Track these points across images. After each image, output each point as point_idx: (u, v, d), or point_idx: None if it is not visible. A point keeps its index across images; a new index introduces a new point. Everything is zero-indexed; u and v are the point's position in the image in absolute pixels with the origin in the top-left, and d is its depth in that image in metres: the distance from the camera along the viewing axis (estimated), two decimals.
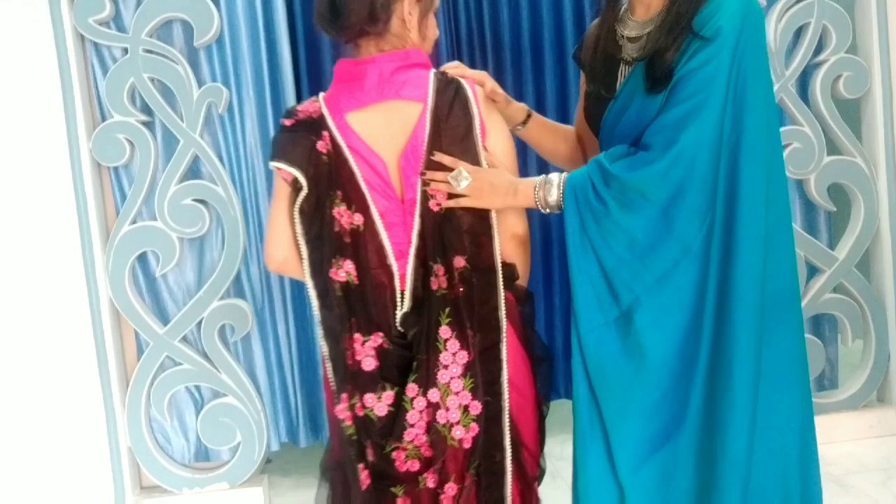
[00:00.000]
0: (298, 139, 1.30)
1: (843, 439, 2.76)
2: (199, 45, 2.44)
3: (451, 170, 1.29)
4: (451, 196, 1.30)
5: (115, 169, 2.50)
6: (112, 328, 2.52)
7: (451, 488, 1.28)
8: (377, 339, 1.29)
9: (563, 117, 2.66)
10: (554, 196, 1.32)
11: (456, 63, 1.44)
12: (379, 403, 1.27)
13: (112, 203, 2.53)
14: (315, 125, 1.30)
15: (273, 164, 1.32)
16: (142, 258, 2.55)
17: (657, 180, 1.26)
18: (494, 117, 1.37)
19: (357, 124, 1.30)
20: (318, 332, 1.33)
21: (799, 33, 2.67)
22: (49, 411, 2.50)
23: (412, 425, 1.26)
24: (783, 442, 1.35)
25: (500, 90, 1.47)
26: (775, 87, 2.60)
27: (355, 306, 1.30)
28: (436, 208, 1.30)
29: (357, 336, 1.29)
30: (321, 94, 1.35)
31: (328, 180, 1.29)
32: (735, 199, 1.28)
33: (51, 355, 2.49)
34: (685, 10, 1.26)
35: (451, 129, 1.30)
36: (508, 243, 1.36)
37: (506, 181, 1.32)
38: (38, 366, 2.49)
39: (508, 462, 1.30)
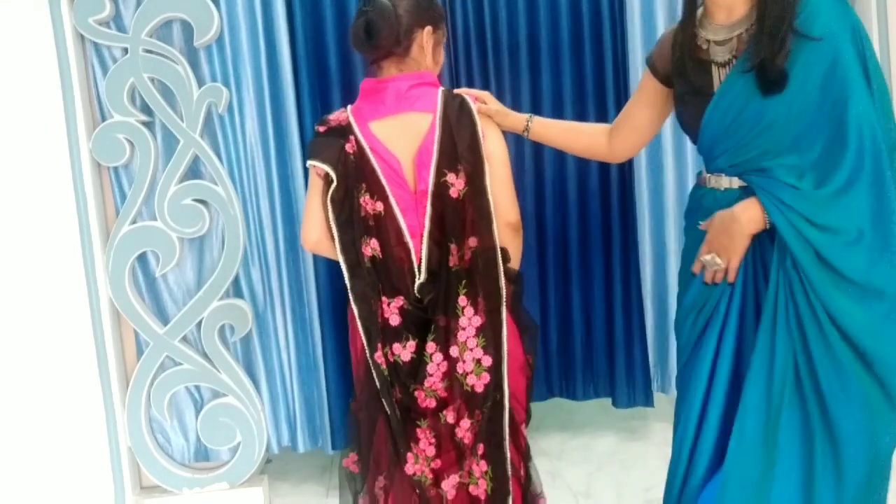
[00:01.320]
0: (330, 142, 1.61)
1: None
2: (199, 45, 2.44)
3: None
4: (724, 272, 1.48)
5: (115, 169, 2.51)
6: (112, 328, 2.52)
7: (464, 423, 1.60)
8: (399, 301, 1.61)
9: (559, 112, 2.68)
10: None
11: (463, 89, 1.75)
12: (404, 351, 1.60)
13: (112, 203, 2.53)
14: (343, 131, 1.61)
15: (309, 163, 1.62)
16: (142, 258, 2.55)
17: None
18: (489, 125, 1.69)
19: (378, 131, 1.61)
20: (350, 297, 1.63)
21: None
22: (49, 411, 2.51)
23: (431, 375, 1.59)
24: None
25: (497, 105, 1.75)
26: None
27: (381, 275, 1.62)
28: (455, 195, 1.59)
29: (384, 298, 1.61)
30: (349, 107, 1.66)
31: (355, 175, 1.60)
32: None
33: (51, 355, 2.49)
34: (781, 15, 1.32)
35: (461, 136, 1.59)
36: (504, 229, 1.64)
37: (726, 226, 1.44)
38: (38, 366, 2.49)
39: (507, 400, 1.62)
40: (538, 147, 2.63)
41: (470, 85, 2.62)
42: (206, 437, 2.58)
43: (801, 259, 1.37)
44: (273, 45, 2.48)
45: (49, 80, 2.40)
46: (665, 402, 2.87)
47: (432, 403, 1.60)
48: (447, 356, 1.58)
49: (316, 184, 1.64)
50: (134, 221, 2.49)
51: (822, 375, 1.38)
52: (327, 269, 2.60)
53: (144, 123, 2.46)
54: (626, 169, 2.71)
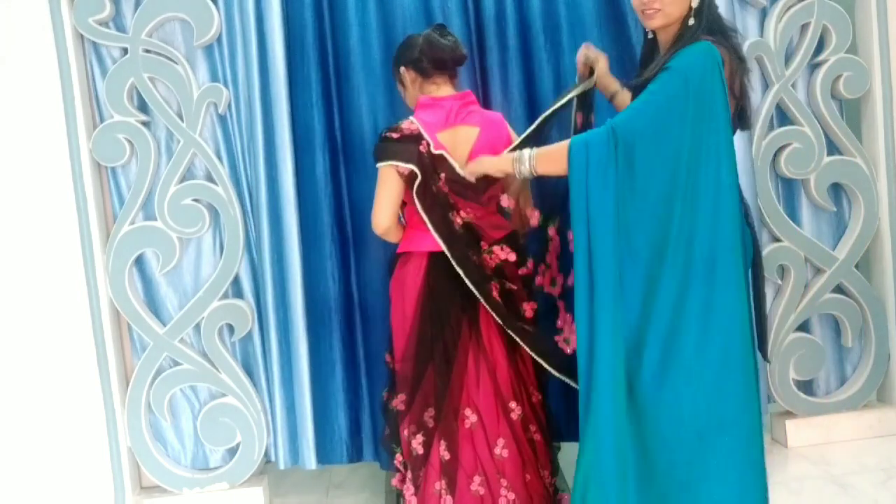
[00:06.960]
0: (408, 146, 2.00)
1: (843, 439, 2.76)
2: (198, 45, 2.44)
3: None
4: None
5: (115, 169, 2.51)
6: (112, 328, 2.52)
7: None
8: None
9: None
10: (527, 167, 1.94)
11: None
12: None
13: (111, 203, 2.53)
14: (417, 137, 2.01)
15: (388, 164, 2.00)
16: (141, 258, 2.55)
17: None
18: (515, 136, 2.15)
19: (442, 139, 2.05)
20: (453, 262, 2.02)
21: (799, 33, 2.68)
22: (49, 411, 2.51)
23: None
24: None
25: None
26: (775, 88, 2.64)
27: (473, 232, 2.06)
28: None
29: (484, 245, 2.06)
30: (412, 118, 2.05)
31: (431, 168, 2.01)
32: None
33: (51, 355, 2.49)
34: (669, 57, 1.80)
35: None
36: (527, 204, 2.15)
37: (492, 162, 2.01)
38: (38, 366, 2.49)
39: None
40: None
41: (490, 69, 2.56)
42: (205, 436, 2.58)
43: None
44: (273, 45, 2.47)
45: (49, 80, 2.40)
46: None
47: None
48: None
49: (392, 180, 2.01)
50: (133, 222, 2.49)
51: None
52: (317, 274, 2.56)
53: (144, 123, 2.46)
54: None
